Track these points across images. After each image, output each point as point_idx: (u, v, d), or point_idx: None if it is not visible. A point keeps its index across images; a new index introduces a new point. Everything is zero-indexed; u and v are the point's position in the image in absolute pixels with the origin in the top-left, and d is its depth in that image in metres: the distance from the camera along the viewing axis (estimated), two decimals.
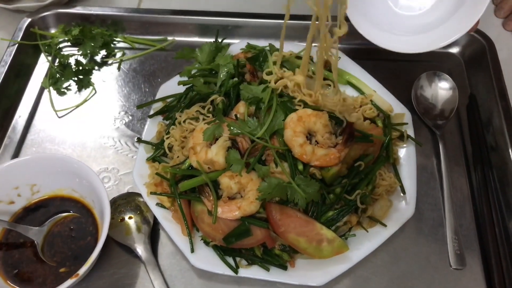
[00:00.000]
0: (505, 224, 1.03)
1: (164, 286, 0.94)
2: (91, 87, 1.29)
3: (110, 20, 1.38)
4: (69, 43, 1.37)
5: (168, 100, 1.15)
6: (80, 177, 0.97)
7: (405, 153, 1.08)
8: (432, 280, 0.97)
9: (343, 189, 0.95)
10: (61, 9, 1.38)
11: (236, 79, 1.09)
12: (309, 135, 0.99)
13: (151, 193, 1.01)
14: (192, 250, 0.95)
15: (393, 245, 1.01)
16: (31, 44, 1.33)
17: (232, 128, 0.96)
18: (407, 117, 1.12)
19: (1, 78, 1.23)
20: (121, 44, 1.38)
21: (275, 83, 1.02)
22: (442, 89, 1.21)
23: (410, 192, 1.02)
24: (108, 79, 1.31)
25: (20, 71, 1.30)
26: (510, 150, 1.08)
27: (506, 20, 1.39)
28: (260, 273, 0.93)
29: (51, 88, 1.27)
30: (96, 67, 1.33)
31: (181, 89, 1.15)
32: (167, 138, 1.06)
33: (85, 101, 1.26)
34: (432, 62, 1.31)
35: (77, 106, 1.25)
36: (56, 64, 1.31)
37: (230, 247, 0.93)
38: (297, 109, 1.00)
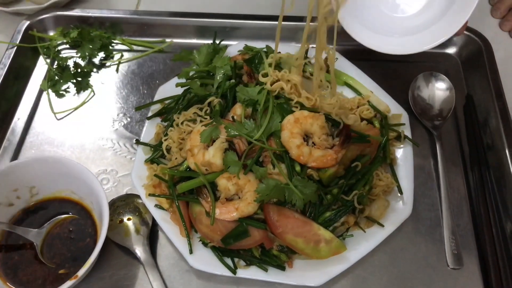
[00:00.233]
0: (502, 223, 1.03)
1: (163, 287, 0.94)
2: (89, 89, 1.29)
3: (109, 22, 1.38)
4: (67, 46, 1.38)
5: (166, 102, 1.16)
6: (79, 179, 0.98)
7: (402, 154, 1.09)
8: (430, 280, 0.98)
9: (340, 189, 0.96)
10: (60, 12, 1.38)
11: (233, 80, 1.09)
12: (306, 137, 0.99)
13: (150, 194, 1.01)
14: (191, 251, 0.95)
15: (390, 245, 1.01)
16: (29, 46, 1.33)
17: (229, 130, 0.97)
18: (404, 117, 1.13)
19: (0, 81, 1.24)
20: (120, 46, 1.38)
21: (271, 85, 1.02)
22: (439, 89, 1.22)
23: (407, 192, 1.03)
24: (106, 81, 1.31)
25: (19, 73, 1.30)
26: (507, 150, 1.09)
27: (502, 21, 1.40)
28: (258, 273, 0.94)
29: (49, 90, 1.28)
30: (95, 69, 1.34)
31: (179, 91, 1.16)
32: (165, 139, 1.06)
33: (83, 103, 1.27)
34: (429, 63, 1.31)
35: (76, 108, 1.26)
36: (54, 66, 1.32)
37: (228, 248, 0.93)
38: (293, 111, 1.00)
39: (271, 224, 0.92)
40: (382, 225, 0.98)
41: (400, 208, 1.01)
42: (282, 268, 0.94)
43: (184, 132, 1.05)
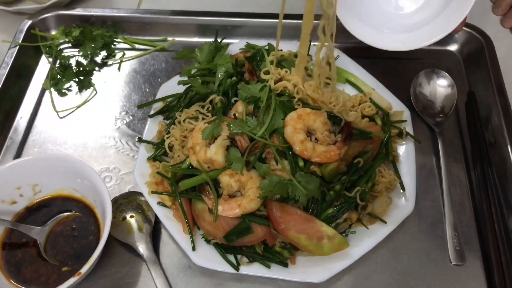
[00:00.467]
0: (505, 220, 1.03)
1: (166, 284, 0.95)
2: (91, 88, 1.29)
3: (110, 21, 1.38)
4: (69, 45, 1.38)
5: (168, 100, 1.16)
6: (81, 177, 0.98)
7: (404, 151, 1.09)
8: (432, 276, 0.98)
9: (342, 186, 0.96)
10: (62, 11, 1.39)
11: (234, 78, 1.09)
12: (309, 134, 0.99)
13: (152, 192, 1.01)
14: (194, 248, 0.95)
15: (393, 241, 1.01)
16: (32, 45, 1.34)
17: (232, 127, 0.97)
18: (406, 114, 1.13)
19: (3, 80, 1.24)
20: (121, 45, 1.39)
21: (275, 83, 1.02)
22: (440, 86, 1.22)
23: (409, 189, 1.03)
24: (108, 80, 1.32)
25: (21, 72, 1.31)
26: (509, 147, 1.09)
27: (504, 18, 1.39)
28: (261, 270, 0.94)
29: (52, 89, 1.28)
30: (97, 68, 1.34)
31: (181, 88, 1.16)
32: (168, 137, 1.07)
33: (86, 101, 1.27)
34: (431, 60, 1.31)
35: (78, 107, 1.26)
36: (57, 65, 1.32)
37: (231, 245, 0.94)
38: (296, 108, 1.00)
39: (274, 221, 0.92)
40: (385, 222, 0.98)
41: (403, 205, 1.01)
42: (284, 264, 0.94)
43: (186, 129, 1.05)
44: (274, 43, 1.19)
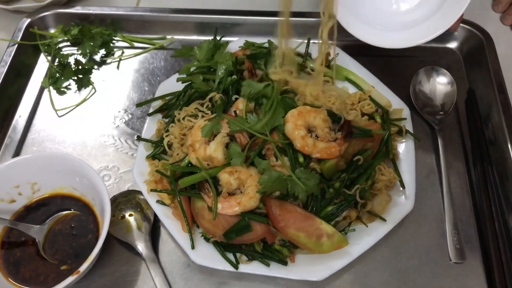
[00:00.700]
0: (505, 218, 1.03)
1: (165, 283, 0.94)
2: (90, 86, 1.29)
3: (109, 19, 1.38)
4: (68, 43, 1.38)
5: (167, 98, 1.16)
6: (80, 176, 0.98)
7: (404, 148, 1.08)
8: (432, 274, 0.97)
9: (342, 183, 0.95)
10: (60, 9, 1.38)
11: (234, 76, 1.09)
12: (309, 131, 0.99)
13: (151, 190, 1.01)
14: (193, 247, 0.95)
15: (392, 239, 1.01)
16: (30, 44, 1.33)
17: (232, 125, 0.96)
18: (406, 112, 1.13)
19: (1, 78, 1.24)
20: (120, 43, 1.38)
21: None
22: (440, 84, 1.21)
23: (409, 187, 1.02)
24: (107, 78, 1.31)
25: (20, 71, 1.31)
26: (509, 144, 1.09)
27: (504, 15, 1.39)
28: (260, 268, 0.94)
29: (51, 87, 1.28)
30: (96, 67, 1.34)
31: (180, 87, 1.16)
32: (167, 135, 1.06)
33: (85, 100, 1.27)
34: (431, 57, 1.31)
35: (77, 105, 1.26)
36: (55, 63, 1.32)
37: (230, 243, 0.93)
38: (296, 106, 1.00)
39: (273, 219, 0.91)
40: (385, 220, 0.98)
41: (402, 203, 1.01)
42: (284, 262, 0.94)
43: (185, 127, 1.05)
44: (273, 40, 1.19)
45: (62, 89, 1.28)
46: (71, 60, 1.31)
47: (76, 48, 1.34)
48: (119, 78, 1.31)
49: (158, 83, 1.23)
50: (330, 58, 1.19)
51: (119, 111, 1.24)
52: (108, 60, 1.35)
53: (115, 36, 1.38)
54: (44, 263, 0.94)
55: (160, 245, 1.02)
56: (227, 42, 1.22)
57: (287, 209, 0.92)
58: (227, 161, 0.95)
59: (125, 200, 1.05)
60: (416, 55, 1.30)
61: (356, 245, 0.95)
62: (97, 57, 1.35)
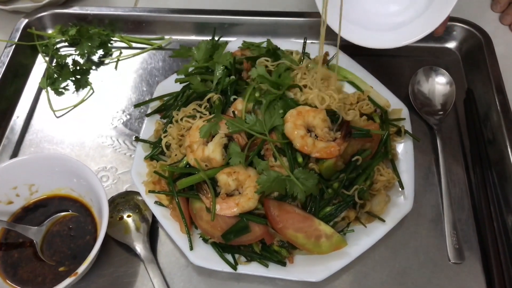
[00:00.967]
0: (503, 218, 1.03)
1: (164, 284, 0.94)
2: (88, 87, 1.29)
3: (107, 19, 1.38)
4: (66, 43, 1.37)
5: (165, 98, 1.16)
6: (78, 177, 0.97)
7: (403, 149, 1.08)
8: (431, 274, 0.97)
9: (340, 183, 0.95)
10: (58, 10, 1.38)
11: (233, 77, 1.09)
12: (308, 131, 0.99)
13: (150, 191, 1.01)
14: (191, 248, 0.95)
15: (391, 240, 1.01)
16: (28, 44, 1.33)
17: (230, 125, 0.96)
18: (404, 112, 1.12)
19: None
20: (118, 44, 1.38)
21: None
22: (439, 84, 1.21)
23: (408, 187, 1.02)
24: (105, 79, 1.31)
25: (18, 71, 1.30)
26: (508, 144, 1.08)
27: (503, 15, 1.39)
28: (259, 269, 0.94)
29: (48, 88, 1.28)
30: (94, 67, 1.33)
31: (178, 87, 1.15)
32: (165, 136, 1.06)
33: (82, 100, 1.26)
34: (429, 57, 1.31)
35: (75, 106, 1.25)
36: (53, 64, 1.31)
37: (228, 244, 0.93)
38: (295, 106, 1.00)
39: (272, 219, 0.91)
40: (383, 220, 0.98)
41: (401, 203, 1.01)
42: (283, 263, 0.93)
43: (184, 128, 1.05)
44: (272, 40, 1.19)
45: (60, 90, 1.28)
46: (69, 60, 1.31)
47: (74, 48, 1.34)
48: (117, 79, 1.31)
49: (156, 83, 1.23)
50: (328, 58, 1.19)
51: (117, 112, 1.24)
52: (106, 61, 1.35)
53: (113, 37, 1.37)
54: (42, 265, 0.94)
55: (158, 246, 1.02)
56: (226, 42, 1.22)
57: (285, 209, 0.92)
58: (225, 162, 0.95)
59: (123, 201, 1.04)
60: (415, 55, 1.30)
61: (355, 246, 0.95)
62: (95, 58, 1.35)
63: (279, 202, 0.93)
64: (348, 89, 1.18)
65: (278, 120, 0.97)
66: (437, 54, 1.32)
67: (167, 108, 1.13)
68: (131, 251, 0.99)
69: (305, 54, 1.20)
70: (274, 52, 1.15)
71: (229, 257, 0.94)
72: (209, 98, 1.07)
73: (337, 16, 1.01)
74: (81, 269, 0.85)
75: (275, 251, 0.94)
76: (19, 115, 1.24)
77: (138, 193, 1.04)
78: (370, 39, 1.07)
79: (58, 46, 1.37)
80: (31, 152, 1.17)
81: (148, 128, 1.12)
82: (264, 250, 0.95)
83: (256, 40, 1.22)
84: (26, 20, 1.35)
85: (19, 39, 1.32)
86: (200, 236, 0.97)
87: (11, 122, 1.23)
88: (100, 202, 0.93)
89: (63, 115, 1.24)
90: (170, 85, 1.17)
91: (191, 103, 1.08)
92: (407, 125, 1.10)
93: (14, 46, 1.30)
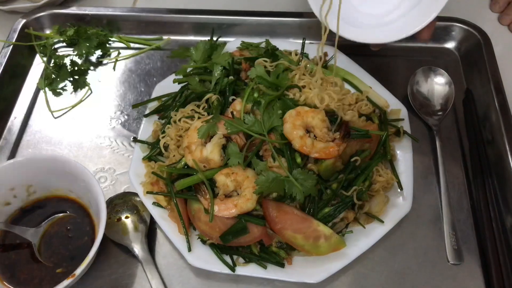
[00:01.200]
0: (502, 218, 1.02)
1: (162, 285, 0.94)
2: (86, 87, 1.28)
3: (105, 20, 1.37)
4: (64, 44, 1.37)
5: (163, 99, 1.15)
6: (76, 178, 0.97)
7: (402, 149, 1.08)
8: (430, 275, 0.97)
9: (339, 184, 0.95)
10: (56, 10, 1.38)
11: (231, 77, 1.09)
12: (307, 131, 0.98)
13: (148, 192, 1.01)
14: (189, 249, 0.94)
15: (390, 241, 1.00)
16: (26, 45, 1.32)
17: (229, 125, 0.96)
18: (403, 113, 1.12)
19: None
20: (117, 44, 1.38)
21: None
22: (438, 84, 1.21)
23: (407, 188, 1.02)
24: (103, 79, 1.31)
25: (15, 72, 1.30)
26: (506, 145, 1.08)
27: (501, 15, 1.39)
28: (257, 271, 0.93)
29: (46, 88, 1.27)
30: (92, 67, 1.33)
31: (177, 88, 1.15)
32: (163, 137, 1.06)
33: (81, 101, 1.26)
34: (428, 58, 1.31)
35: (73, 107, 1.25)
36: (51, 64, 1.31)
37: (227, 245, 0.93)
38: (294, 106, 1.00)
39: (270, 220, 0.91)
40: (382, 221, 0.97)
41: (400, 204, 1.00)
42: (281, 265, 0.93)
43: (182, 129, 1.04)
44: (271, 40, 1.19)
45: (58, 90, 1.28)
46: (67, 61, 1.31)
47: (72, 49, 1.34)
48: (115, 79, 1.30)
49: (154, 84, 1.22)
50: (327, 58, 1.19)
51: (115, 112, 1.24)
52: (104, 61, 1.34)
53: (111, 37, 1.37)
54: (39, 266, 0.94)
55: (156, 247, 1.01)
56: (225, 43, 1.21)
57: (284, 210, 0.92)
58: (223, 162, 0.95)
59: (121, 202, 1.04)
60: (414, 56, 1.30)
61: (354, 247, 0.94)
62: (93, 58, 1.35)
63: (278, 203, 0.93)
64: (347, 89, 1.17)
65: (277, 121, 0.97)
66: (436, 54, 1.32)
67: (165, 109, 1.13)
68: (129, 252, 0.98)
69: (303, 54, 1.19)
70: (272, 53, 1.15)
71: (227, 258, 0.94)
72: (208, 99, 1.07)
73: (334, 16, 1.01)
74: (79, 270, 0.85)
75: (274, 253, 0.94)
76: (16, 116, 1.24)
77: (136, 194, 1.04)
78: (363, 35, 1.07)
79: (56, 46, 1.37)
80: (29, 153, 1.17)
81: (146, 128, 1.12)
82: (262, 251, 0.94)
83: (255, 40, 1.21)
84: (24, 20, 1.35)
85: (17, 40, 1.31)
86: (198, 237, 0.97)
87: (9, 123, 1.22)
88: (98, 203, 0.92)
89: (61, 115, 1.24)
90: (168, 85, 1.17)
91: (190, 104, 1.08)
92: (406, 126, 1.10)
93: (11, 46, 1.29)
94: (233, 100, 1.05)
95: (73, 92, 1.28)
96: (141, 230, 1.00)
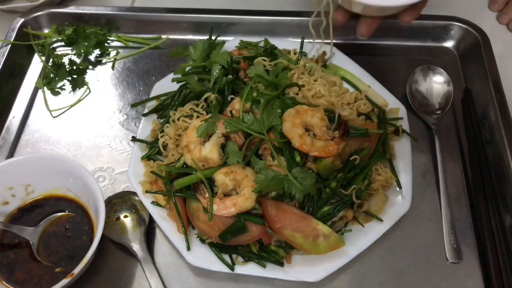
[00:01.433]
0: (501, 217, 1.03)
1: (160, 284, 0.94)
2: (85, 87, 1.28)
3: (104, 19, 1.37)
4: (62, 43, 1.37)
5: (162, 98, 1.15)
6: (74, 177, 0.97)
7: (401, 148, 1.08)
8: (429, 274, 0.97)
9: (338, 183, 0.95)
10: (54, 9, 1.37)
11: (230, 76, 1.08)
12: (307, 130, 0.98)
13: (146, 191, 1.00)
14: (188, 248, 0.94)
15: (389, 240, 1.00)
16: (24, 44, 1.32)
17: (228, 124, 0.96)
18: (402, 111, 1.12)
19: None
20: (115, 43, 1.37)
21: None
22: (437, 83, 1.21)
23: (406, 186, 1.02)
24: (102, 79, 1.30)
25: (14, 71, 1.29)
26: (505, 143, 1.08)
27: (500, 14, 1.39)
28: (256, 269, 0.93)
29: (45, 88, 1.27)
30: (90, 67, 1.33)
31: (175, 87, 1.15)
32: (162, 136, 1.06)
33: (79, 100, 1.26)
34: (426, 56, 1.31)
35: (72, 106, 1.25)
36: (50, 64, 1.31)
37: (226, 244, 0.93)
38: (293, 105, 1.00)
39: (269, 219, 0.91)
40: (381, 220, 0.97)
41: (399, 203, 1.00)
42: (280, 264, 0.93)
43: (181, 128, 1.04)
44: (270, 39, 1.19)
45: (57, 90, 1.27)
46: (65, 60, 1.30)
47: (70, 48, 1.33)
48: (114, 78, 1.30)
49: (153, 83, 1.22)
50: (326, 57, 1.19)
51: (114, 112, 1.23)
52: (103, 60, 1.34)
53: (109, 36, 1.37)
54: (38, 266, 0.93)
55: (155, 246, 1.01)
56: (224, 42, 1.21)
57: (283, 209, 0.92)
58: (222, 161, 0.95)
59: (120, 201, 1.04)
60: (412, 55, 1.30)
61: (353, 246, 0.94)
62: (92, 57, 1.34)
63: (277, 202, 0.92)
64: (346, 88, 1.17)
65: (276, 120, 0.97)
66: (434, 53, 1.32)
67: (164, 108, 1.13)
68: (128, 251, 0.98)
69: (302, 53, 1.19)
70: (271, 52, 1.15)
71: (226, 257, 0.94)
72: (206, 98, 1.07)
73: None
74: (78, 269, 0.85)
75: (273, 251, 0.94)
76: (15, 115, 1.23)
77: (135, 193, 1.04)
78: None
79: (54, 45, 1.36)
80: (27, 153, 1.16)
81: (145, 128, 1.12)
82: (261, 250, 0.94)
83: (254, 39, 1.21)
84: (22, 20, 1.34)
85: (15, 39, 1.31)
86: (197, 236, 0.97)
87: (7, 122, 1.22)
88: (96, 202, 0.92)
89: (59, 115, 1.24)
90: (167, 84, 1.17)
91: (188, 103, 1.08)
92: (404, 125, 1.10)
93: (10, 45, 1.29)
94: (232, 99, 1.05)
95: (72, 92, 1.28)
96: (140, 229, 1.00)
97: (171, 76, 1.18)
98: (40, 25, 1.37)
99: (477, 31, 1.28)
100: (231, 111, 1.01)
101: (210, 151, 0.94)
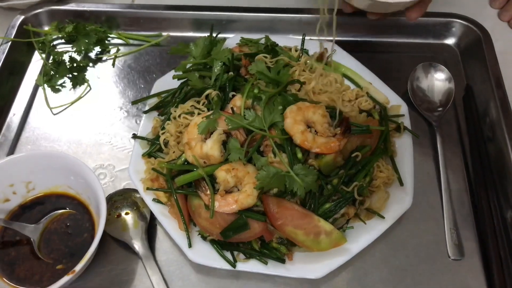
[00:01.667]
0: (503, 214, 1.02)
1: (162, 282, 0.94)
2: (85, 84, 1.28)
3: (104, 16, 1.36)
4: (63, 40, 1.36)
5: (163, 95, 1.15)
6: (75, 174, 0.97)
7: (402, 145, 1.08)
8: (431, 271, 0.97)
9: (340, 180, 0.95)
10: (54, 6, 1.36)
11: (231, 73, 1.08)
12: (308, 127, 0.98)
13: (148, 188, 1.00)
14: (190, 245, 0.94)
15: (391, 236, 1.00)
16: (24, 41, 1.32)
17: (230, 121, 0.95)
18: (404, 108, 1.12)
19: None
20: (116, 41, 1.37)
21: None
22: (438, 80, 1.21)
23: (407, 183, 1.02)
24: (102, 76, 1.30)
25: (14, 68, 1.29)
26: (507, 140, 1.08)
27: (501, 11, 1.39)
28: (258, 266, 0.93)
29: (45, 85, 1.27)
30: (91, 64, 1.32)
31: (176, 84, 1.15)
32: (163, 133, 1.05)
33: (80, 98, 1.26)
34: (428, 54, 1.31)
35: (72, 103, 1.24)
36: (50, 61, 1.30)
37: (227, 241, 0.93)
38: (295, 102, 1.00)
39: (271, 216, 0.91)
40: (383, 217, 0.97)
41: (401, 200, 1.00)
42: (282, 261, 0.93)
43: (182, 125, 1.04)
44: (270, 36, 1.18)
45: (57, 87, 1.27)
46: (66, 57, 1.30)
47: (70, 45, 1.33)
48: (115, 76, 1.30)
49: (153, 80, 1.21)
50: (327, 54, 1.18)
51: (114, 109, 1.23)
52: (103, 58, 1.34)
53: (110, 33, 1.36)
54: (39, 263, 0.93)
55: (156, 243, 1.01)
56: (224, 39, 1.21)
57: (285, 206, 0.91)
58: (224, 158, 0.94)
59: (121, 198, 1.04)
60: (414, 51, 1.30)
61: (355, 243, 0.94)
62: (92, 55, 1.34)
63: (278, 199, 0.92)
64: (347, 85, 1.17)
65: (277, 116, 0.96)
66: (436, 50, 1.32)
67: (165, 105, 1.12)
68: (129, 248, 0.98)
69: (303, 50, 1.19)
70: (272, 49, 1.14)
71: (228, 254, 0.94)
72: (208, 95, 1.06)
73: None
74: (79, 267, 0.85)
75: (274, 248, 0.94)
76: (15, 113, 1.23)
77: (136, 191, 1.04)
78: None
79: (54, 43, 1.36)
80: (27, 150, 1.16)
81: (146, 125, 1.12)
82: (263, 247, 0.94)
83: (254, 36, 1.21)
84: (22, 17, 1.34)
85: (15, 36, 1.30)
86: (199, 234, 0.97)
87: (8, 120, 1.21)
88: (97, 199, 0.92)
89: (60, 112, 1.23)
90: (168, 81, 1.16)
91: (189, 100, 1.08)
92: (406, 122, 1.10)
93: (10, 43, 1.29)
94: (233, 96, 1.05)
95: (72, 89, 1.28)
96: (141, 227, 1.00)
97: (172, 73, 1.17)
98: (40, 22, 1.37)
99: (479, 28, 1.28)
100: (232, 108, 1.01)
101: (211, 148, 0.94)
